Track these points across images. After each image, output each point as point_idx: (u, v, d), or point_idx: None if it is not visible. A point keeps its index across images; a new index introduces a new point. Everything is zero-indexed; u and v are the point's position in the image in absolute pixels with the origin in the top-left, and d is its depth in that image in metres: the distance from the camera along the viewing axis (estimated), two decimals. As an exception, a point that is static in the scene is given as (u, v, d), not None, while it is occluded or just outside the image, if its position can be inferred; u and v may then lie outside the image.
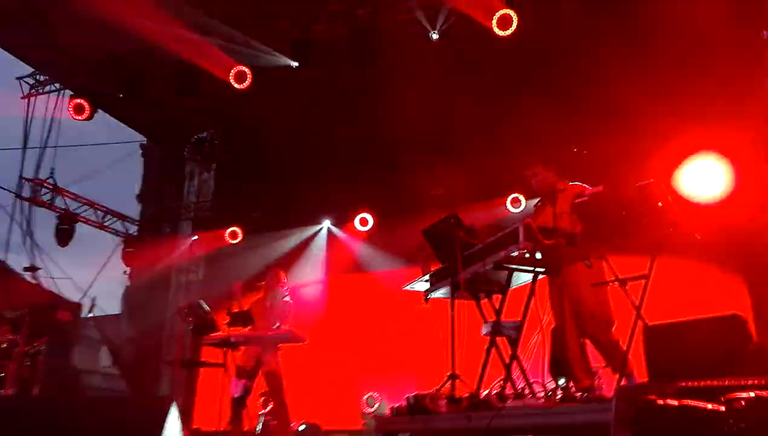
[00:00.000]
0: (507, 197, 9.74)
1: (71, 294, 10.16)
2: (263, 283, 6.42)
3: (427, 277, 4.68)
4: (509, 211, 9.66)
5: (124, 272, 11.88)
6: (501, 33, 7.59)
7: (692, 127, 8.08)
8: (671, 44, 8.15)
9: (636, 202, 3.26)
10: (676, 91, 8.27)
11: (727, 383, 2.17)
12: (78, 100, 9.39)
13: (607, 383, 4.00)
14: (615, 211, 3.34)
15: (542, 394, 3.82)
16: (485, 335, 4.16)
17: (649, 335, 4.56)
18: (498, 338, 4.10)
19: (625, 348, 4.09)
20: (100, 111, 10.31)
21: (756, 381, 2.41)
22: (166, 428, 2.89)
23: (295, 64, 8.32)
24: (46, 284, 9.53)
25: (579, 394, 3.31)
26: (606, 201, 3.37)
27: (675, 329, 4.35)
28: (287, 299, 6.36)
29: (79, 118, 9.42)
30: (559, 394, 3.61)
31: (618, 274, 3.42)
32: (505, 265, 3.85)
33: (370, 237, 10.42)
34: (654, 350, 3.96)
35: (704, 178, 8.24)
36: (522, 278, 4.20)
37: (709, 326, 4.51)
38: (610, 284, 3.49)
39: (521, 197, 9.64)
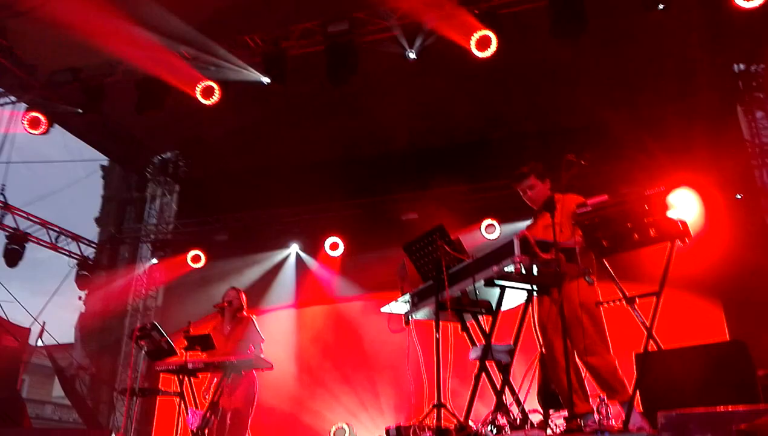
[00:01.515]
0: (481, 223, 9.47)
1: (21, 320, 9.52)
2: (223, 304, 5.98)
3: (407, 297, 4.33)
4: (484, 237, 9.40)
5: (79, 297, 11.24)
6: (480, 54, 7.43)
7: (671, 157, 8.07)
8: (652, 72, 8.16)
9: (644, 213, 3.00)
10: (655, 118, 8.28)
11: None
12: (34, 114, 8.87)
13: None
14: (620, 223, 3.07)
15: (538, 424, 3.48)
16: (474, 359, 3.81)
17: (642, 362, 4.27)
18: (488, 363, 3.76)
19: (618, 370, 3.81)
20: (61, 131, 9.86)
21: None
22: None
23: (267, 80, 7.99)
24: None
25: (583, 424, 2.98)
26: (610, 211, 3.10)
27: (671, 355, 4.08)
28: (254, 317, 5.95)
29: (35, 132, 8.90)
30: (560, 424, 3.28)
31: (625, 291, 3.13)
32: (498, 282, 3.53)
33: (341, 262, 10.03)
34: (648, 377, 3.68)
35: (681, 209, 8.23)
36: (512, 298, 3.88)
37: (708, 352, 4.26)
38: (616, 302, 3.20)
39: (495, 223, 9.42)
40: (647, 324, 3.06)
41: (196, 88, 8.12)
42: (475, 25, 7.33)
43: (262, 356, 5.61)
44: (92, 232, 11.94)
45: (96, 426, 9.76)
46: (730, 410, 1.79)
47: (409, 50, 7.77)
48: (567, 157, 3.43)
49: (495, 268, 3.47)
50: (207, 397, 5.59)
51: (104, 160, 12.72)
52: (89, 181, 12.93)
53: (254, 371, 5.73)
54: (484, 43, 7.40)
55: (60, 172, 12.49)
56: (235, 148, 9.94)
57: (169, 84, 8.17)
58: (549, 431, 3.21)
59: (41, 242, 10.51)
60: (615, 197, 3.15)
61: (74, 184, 12.86)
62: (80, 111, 8.86)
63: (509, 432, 3.10)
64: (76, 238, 11.06)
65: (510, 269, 3.41)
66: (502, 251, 3.50)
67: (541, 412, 3.63)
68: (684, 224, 3.01)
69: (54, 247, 10.68)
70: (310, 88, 8.40)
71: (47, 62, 8.84)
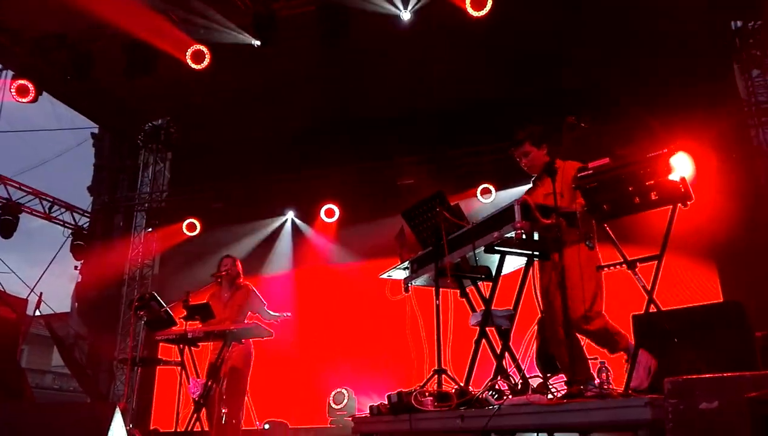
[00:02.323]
0: (477, 188, 9.42)
1: (18, 291, 9.51)
2: (221, 273, 5.95)
3: (406, 263, 4.31)
4: (480, 201, 9.35)
5: (75, 267, 11.23)
6: (475, 13, 7.30)
7: (669, 118, 8.00)
8: (648, 31, 8.03)
9: (645, 176, 2.95)
10: (652, 79, 8.20)
11: None
12: (21, 81, 8.71)
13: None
14: (621, 187, 3.03)
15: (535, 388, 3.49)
16: (474, 325, 3.81)
17: (639, 324, 4.28)
18: (488, 329, 3.76)
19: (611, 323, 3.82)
20: (50, 99, 9.69)
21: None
22: (110, 435, 2.50)
23: (257, 42, 7.83)
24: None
25: (584, 388, 2.99)
26: (611, 175, 3.06)
27: (668, 317, 4.08)
28: (249, 284, 5.96)
29: (23, 100, 8.75)
30: (560, 388, 3.30)
31: (626, 255, 3.11)
32: (498, 248, 3.51)
33: (338, 229, 10.01)
34: (646, 339, 3.69)
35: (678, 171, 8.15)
36: (512, 264, 3.87)
37: (706, 313, 4.27)
38: (617, 266, 3.18)
39: (491, 187, 9.37)
40: (648, 288, 3.05)
41: (186, 53, 7.99)
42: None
43: (274, 313, 5.66)
44: (85, 201, 11.82)
45: (97, 395, 9.84)
46: (737, 375, 1.79)
47: (403, 11, 7.63)
48: (567, 119, 3.37)
49: (495, 234, 3.44)
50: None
51: (95, 128, 12.50)
52: (80, 150, 12.76)
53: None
54: (479, 2, 7.28)
55: (51, 141, 12.37)
56: (228, 115, 9.80)
57: (158, 48, 8.02)
58: (549, 396, 3.23)
59: (35, 212, 10.44)
60: (616, 160, 3.10)
61: (65, 152, 12.70)
62: (68, 77, 8.70)
63: (510, 397, 3.11)
64: (70, 207, 11.00)
65: (510, 234, 3.38)
66: (502, 217, 3.46)
67: (542, 376, 3.65)
68: (685, 184, 2.97)
69: (48, 217, 10.62)
70: (303, 51, 8.25)
71: (32, 27, 8.63)
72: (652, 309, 3.13)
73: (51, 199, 10.70)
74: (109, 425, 2.54)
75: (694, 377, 1.93)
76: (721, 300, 7.62)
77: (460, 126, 9.29)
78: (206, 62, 7.95)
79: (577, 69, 8.43)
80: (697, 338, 3.62)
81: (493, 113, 8.98)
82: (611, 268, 3.22)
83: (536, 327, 3.88)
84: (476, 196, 9.38)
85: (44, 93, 9.10)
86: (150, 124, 11.42)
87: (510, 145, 4.20)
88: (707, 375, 1.86)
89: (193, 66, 7.96)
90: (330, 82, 9.03)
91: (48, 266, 10.61)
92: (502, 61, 8.52)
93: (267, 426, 7.89)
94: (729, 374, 1.82)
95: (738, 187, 8.43)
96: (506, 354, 3.70)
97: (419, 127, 9.46)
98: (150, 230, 10.90)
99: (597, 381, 3.16)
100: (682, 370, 3.28)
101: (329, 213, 9.99)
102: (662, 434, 2.06)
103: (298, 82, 9.04)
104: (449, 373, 3.72)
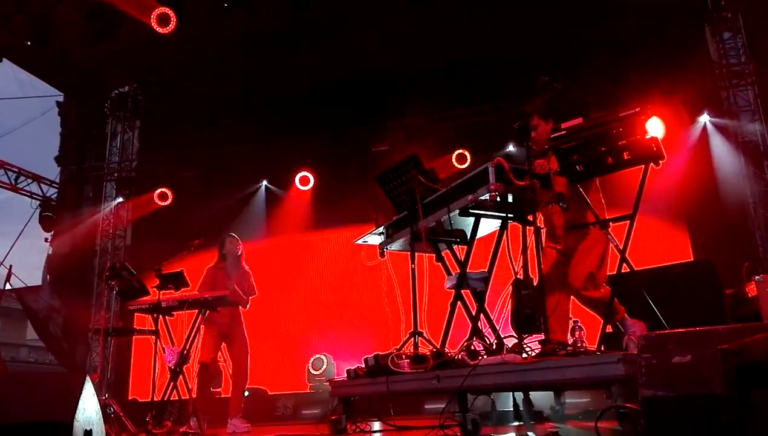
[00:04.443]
0: (452, 153, 9.37)
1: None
2: (221, 248, 5.93)
3: (382, 229, 4.29)
4: (455, 166, 9.32)
5: (45, 239, 10.99)
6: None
7: (641, 80, 8.02)
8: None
9: (618, 136, 2.95)
10: (627, 42, 8.19)
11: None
12: (-21, 48, 8.38)
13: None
14: (594, 147, 3.03)
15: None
16: (449, 288, 3.82)
17: (615, 282, 4.35)
18: (464, 292, 3.77)
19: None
20: (11, 65, 9.36)
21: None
22: (80, 404, 2.46)
23: (225, 4, 7.62)
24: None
25: (557, 347, 3.03)
26: (584, 135, 3.05)
27: (643, 275, 4.15)
28: (247, 268, 5.96)
29: (-18, 67, 8.43)
30: (535, 348, 3.34)
31: (597, 215, 3.12)
32: (473, 211, 3.49)
33: (312, 195, 9.92)
34: (622, 296, 3.74)
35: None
36: (487, 227, 3.86)
37: (678, 272, 4.36)
38: (590, 227, 3.19)
39: (467, 153, 9.33)
40: (620, 247, 3.08)
41: (151, 16, 7.74)
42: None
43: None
44: (53, 172, 11.52)
45: (73, 367, 9.76)
46: (708, 329, 1.82)
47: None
48: (540, 79, 3.34)
49: (470, 197, 3.42)
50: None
51: (59, 96, 12.12)
52: (46, 119, 12.38)
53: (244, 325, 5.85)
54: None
55: (14, 110, 11.97)
56: (197, 81, 9.57)
57: (122, 11, 7.76)
58: (524, 355, 3.26)
59: (0, 184, 10.16)
60: (589, 121, 3.09)
61: (30, 122, 12.32)
62: (28, 43, 8.40)
63: (485, 357, 3.14)
64: (37, 178, 10.73)
65: (485, 197, 3.37)
66: (476, 180, 3.44)
67: (516, 337, 3.68)
68: (657, 144, 2.98)
69: (14, 188, 10.35)
70: (272, 11, 8.04)
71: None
72: (625, 269, 3.16)
73: (17, 170, 10.42)
74: (80, 394, 2.49)
75: (667, 331, 1.96)
76: (692, 259, 7.78)
77: (434, 90, 9.16)
78: (172, 25, 7.73)
79: (550, 32, 8.38)
80: (670, 296, 3.69)
81: (467, 77, 8.91)
82: (584, 228, 3.23)
83: (510, 289, 3.89)
84: (452, 161, 9.33)
85: (4, 60, 8.79)
86: (116, 91, 11.12)
87: (516, 119, 4.05)
88: (680, 330, 1.89)
89: (159, 30, 7.72)
90: (301, 46, 8.83)
91: (17, 239, 10.38)
92: (475, 25, 8.41)
93: (246, 393, 7.91)
94: (701, 328, 1.86)
95: (708, 149, 8.54)
96: (481, 316, 3.72)
97: (392, 91, 9.33)
98: (121, 199, 10.70)
99: (570, 339, 3.21)
100: (655, 326, 3.35)
101: (303, 181, 9.90)
102: (635, 389, 2.09)
103: (268, 44, 8.83)
104: (425, 335, 3.74)
